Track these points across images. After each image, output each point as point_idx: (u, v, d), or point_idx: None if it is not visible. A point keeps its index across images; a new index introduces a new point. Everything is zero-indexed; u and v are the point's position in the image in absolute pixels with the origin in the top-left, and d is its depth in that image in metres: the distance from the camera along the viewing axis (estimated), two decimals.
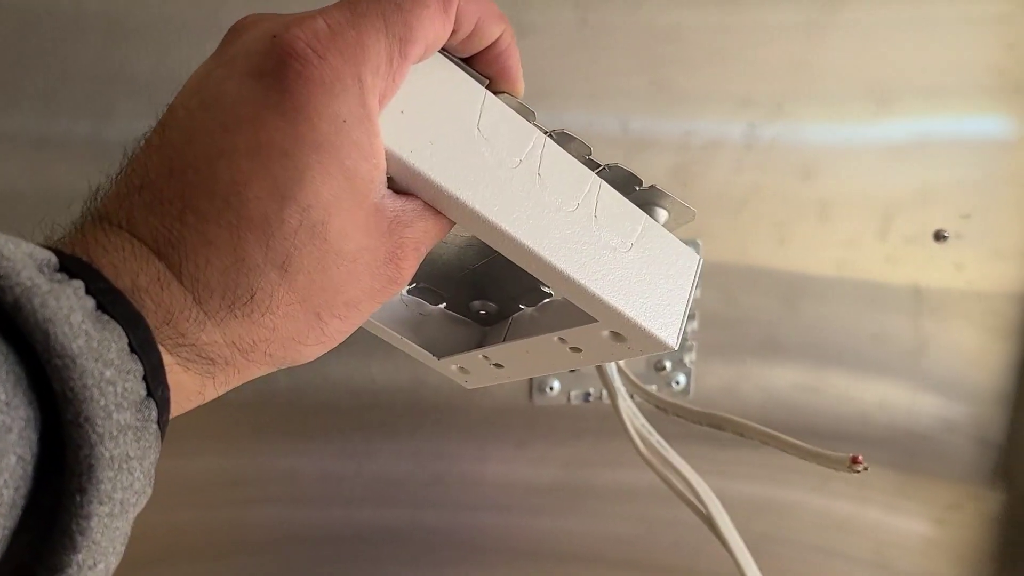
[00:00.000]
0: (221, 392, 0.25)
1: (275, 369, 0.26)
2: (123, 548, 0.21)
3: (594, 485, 0.63)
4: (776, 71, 0.56)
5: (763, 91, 0.56)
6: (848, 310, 0.61)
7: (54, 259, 0.20)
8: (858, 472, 0.38)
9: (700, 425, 0.46)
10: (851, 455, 0.38)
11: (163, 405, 0.22)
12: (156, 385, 0.21)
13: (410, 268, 0.26)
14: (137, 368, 0.21)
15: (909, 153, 0.58)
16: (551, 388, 0.60)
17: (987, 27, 0.57)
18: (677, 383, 0.61)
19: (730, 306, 0.60)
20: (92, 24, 0.50)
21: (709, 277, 0.59)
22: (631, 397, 0.56)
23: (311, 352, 0.26)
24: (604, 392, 0.60)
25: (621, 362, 0.56)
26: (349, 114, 0.23)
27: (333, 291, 0.24)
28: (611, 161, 0.31)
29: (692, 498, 0.46)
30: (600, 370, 0.56)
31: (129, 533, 0.21)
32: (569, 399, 0.60)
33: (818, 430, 0.62)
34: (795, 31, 0.55)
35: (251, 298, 0.23)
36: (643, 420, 0.53)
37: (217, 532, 0.60)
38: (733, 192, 0.58)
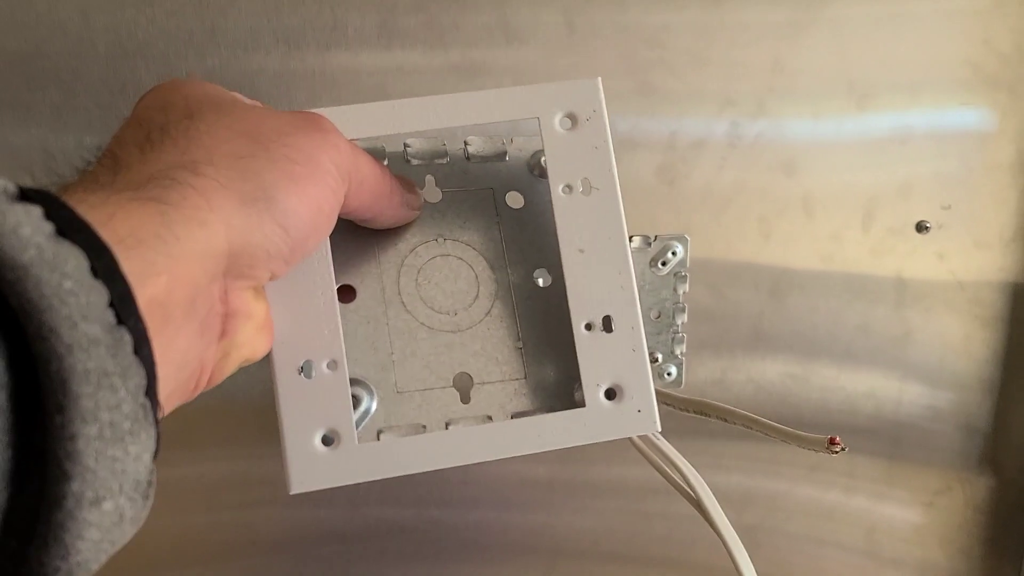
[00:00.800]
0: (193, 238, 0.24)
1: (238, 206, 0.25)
2: (140, 495, 0.20)
3: (588, 479, 0.65)
4: (758, 70, 0.58)
5: (745, 90, 0.58)
6: (834, 302, 0.62)
7: (12, 187, 0.20)
8: (835, 453, 0.40)
9: (686, 412, 0.48)
10: (829, 436, 0.40)
11: (139, 336, 0.20)
12: (127, 315, 0.20)
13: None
14: (102, 291, 0.20)
15: (889, 147, 0.60)
16: None
17: (963, 22, 0.59)
18: (669, 374, 0.62)
19: (718, 300, 0.62)
20: (100, 39, 0.52)
21: (697, 272, 0.61)
22: None
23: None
24: None
25: None
26: (336, 191, 0.28)
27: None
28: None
29: (681, 482, 0.47)
30: None
31: (146, 478, 0.20)
32: None
33: (805, 419, 0.64)
34: (776, 31, 0.57)
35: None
36: None
37: (226, 534, 0.62)
38: (718, 189, 0.60)
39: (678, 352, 0.63)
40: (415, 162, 0.38)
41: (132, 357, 0.20)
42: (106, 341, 0.19)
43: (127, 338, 0.20)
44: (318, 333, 0.30)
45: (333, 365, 0.30)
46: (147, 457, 0.20)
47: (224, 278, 0.25)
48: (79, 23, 0.52)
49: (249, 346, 0.29)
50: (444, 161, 0.38)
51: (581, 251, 0.34)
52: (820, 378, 0.64)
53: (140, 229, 0.22)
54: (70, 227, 0.20)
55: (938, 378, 0.64)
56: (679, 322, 0.62)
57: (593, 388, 0.33)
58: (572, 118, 0.34)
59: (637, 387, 0.33)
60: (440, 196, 0.38)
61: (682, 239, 0.61)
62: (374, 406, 0.34)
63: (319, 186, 0.27)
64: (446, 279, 0.37)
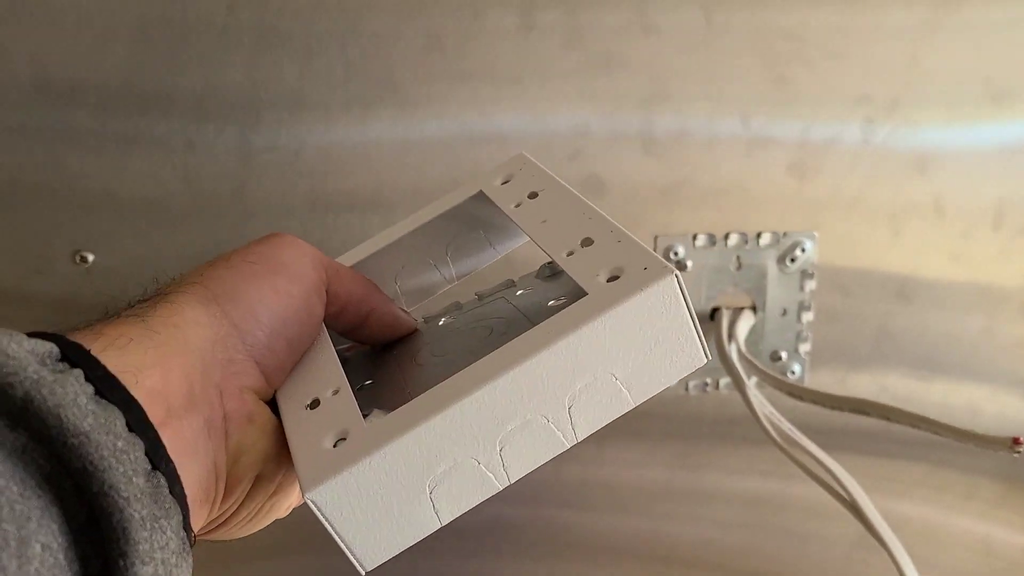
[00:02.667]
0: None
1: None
2: None
3: (703, 487, 0.64)
4: (892, 69, 0.57)
5: (880, 87, 0.57)
6: (960, 303, 0.61)
7: (55, 350, 0.23)
8: (1019, 453, 0.39)
9: (841, 411, 0.47)
10: (1013, 436, 0.39)
11: (171, 476, 0.23)
12: (159, 459, 0.23)
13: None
14: (138, 443, 0.22)
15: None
16: None
17: None
18: (792, 372, 0.62)
19: (844, 300, 0.61)
20: (244, 31, 0.52)
21: (824, 272, 0.60)
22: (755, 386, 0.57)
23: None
24: (722, 382, 0.62)
25: (744, 349, 0.58)
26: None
27: None
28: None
29: (835, 484, 0.47)
30: (724, 358, 0.58)
31: None
32: (688, 389, 0.61)
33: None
34: (912, 30, 0.56)
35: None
36: (771, 408, 0.54)
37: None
38: (848, 187, 0.59)
39: (802, 351, 0.62)
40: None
41: (170, 498, 0.23)
42: (149, 489, 0.22)
43: (163, 481, 0.23)
44: (320, 374, 0.30)
45: (337, 391, 0.29)
46: None
47: (217, 375, 0.27)
48: (224, 14, 0.52)
49: (256, 451, 0.28)
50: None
51: (544, 222, 0.32)
52: (942, 383, 0.63)
53: (127, 333, 0.25)
54: (106, 386, 0.23)
55: None
56: (804, 321, 0.62)
57: (591, 279, 0.28)
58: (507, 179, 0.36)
59: (637, 256, 0.28)
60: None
61: (810, 236, 0.60)
62: None
63: (281, 277, 0.29)
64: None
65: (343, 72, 0.54)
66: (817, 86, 0.57)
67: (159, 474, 0.23)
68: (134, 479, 0.22)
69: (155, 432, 0.23)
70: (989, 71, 0.58)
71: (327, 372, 0.30)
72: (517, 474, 0.27)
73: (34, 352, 0.22)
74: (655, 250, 0.59)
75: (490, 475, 0.27)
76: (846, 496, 0.47)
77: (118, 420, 0.22)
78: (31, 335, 0.23)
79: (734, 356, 0.57)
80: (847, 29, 0.56)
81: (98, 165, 0.54)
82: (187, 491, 0.24)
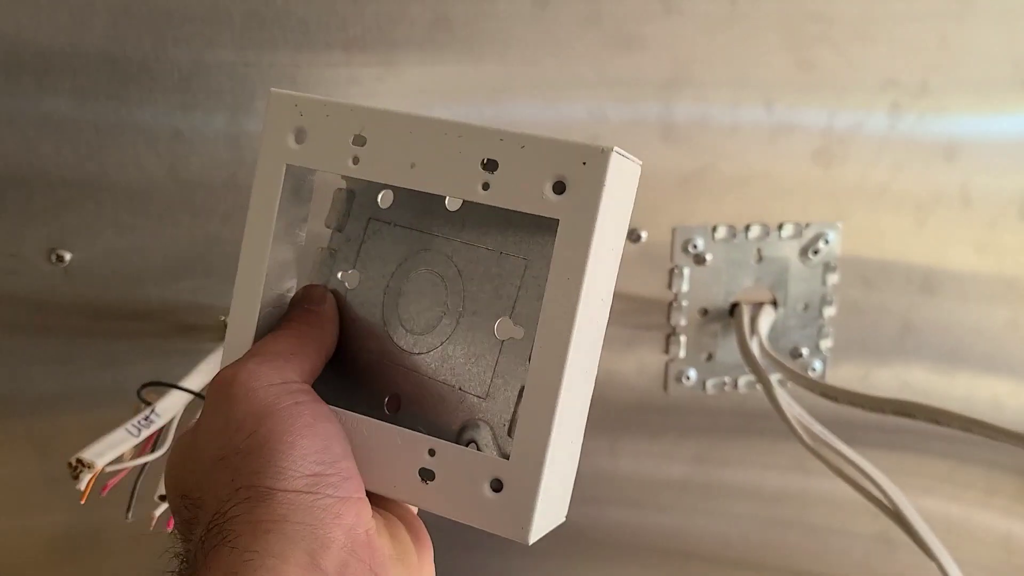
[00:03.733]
0: None
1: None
2: None
3: (723, 482, 0.62)
4: (921, 52, 0.55)
5: (908, 69, 0.55)
6: (985, 295, 0.59)
7: None
8: None
9: (882, 413, 0.45)
10: None
11: None
12: None
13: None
14: None
15: None
16: (687, 378, 0.58)
17: None
18: (813, 370, 0.59)
19: (867, 293, 0.58)
20: (230, 14, 0.48)
21: (847, 263, 0.57)
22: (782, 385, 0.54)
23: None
24: (740, 381, 0.59)
25: (767, 346, 0.55)
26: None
27: None
28: None
29: (876, 492, 0.44)
30: (746, 355, 0.55)
31: None
32: (705, 388, 0.59)
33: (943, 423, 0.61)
34: (941, 12, 0.54)
35: None
36: (800, 409, 0.51)
37: None
38: (874, 175, 0.56)
39: (823, 347, 0.60)
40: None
41: None
42: None
43: None
44: (399, 451, 0.29)
45: (433, 452, 0.29)
46: None
47: (343, 556, 0.27)
48: None
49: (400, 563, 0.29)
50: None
51: (412, 165, 0.28)
52: (965, 378, 0.61)
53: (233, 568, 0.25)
54: None
55: None
56: (826, 315, 0.59)
57: (537, 201, 0.26)
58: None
59: (562, 154, 0.26)
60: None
61: (834, 227, 0.58)
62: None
63: (274, 418, 0.28)
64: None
65: (343, 54, 0.50)
66: (844, 70, 0.54)
67: None
68: None
69: None
70: (1019, 55, 0.56)
71: (403, 443, 0.29)
72: (596, 365, 0.29)
73: None
74: (673, 244, 0.56)
75: (588, 389, 0.29)
76: (885, 500, 0.45)
77: None
78: None
79: (757, 353, 0.54)
80: (875, 10, 0.53)
81: (75, 154, 0.49)
82: None
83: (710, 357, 0.58)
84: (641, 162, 0.28)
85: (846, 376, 0.60)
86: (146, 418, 0.42)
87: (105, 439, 0.40)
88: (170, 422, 0.44)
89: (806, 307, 0.58)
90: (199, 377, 0.47)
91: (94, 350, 0.52)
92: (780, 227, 0.57)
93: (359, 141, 0.29)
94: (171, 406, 0.44)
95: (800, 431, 0.49)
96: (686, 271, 0.56)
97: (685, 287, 0.56)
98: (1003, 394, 0.61)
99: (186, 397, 0.45)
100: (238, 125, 0.50)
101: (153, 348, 0.53)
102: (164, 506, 0.42)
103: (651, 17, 0.51)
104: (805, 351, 0.59)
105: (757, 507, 0.62)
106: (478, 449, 0.29)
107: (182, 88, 0.49)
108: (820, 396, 0.49)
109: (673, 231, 0.56)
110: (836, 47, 0.54)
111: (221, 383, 0.29)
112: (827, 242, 0.57)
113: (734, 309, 0.57)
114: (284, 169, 0.30)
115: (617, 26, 0.51)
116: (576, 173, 0.26)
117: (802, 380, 0.50)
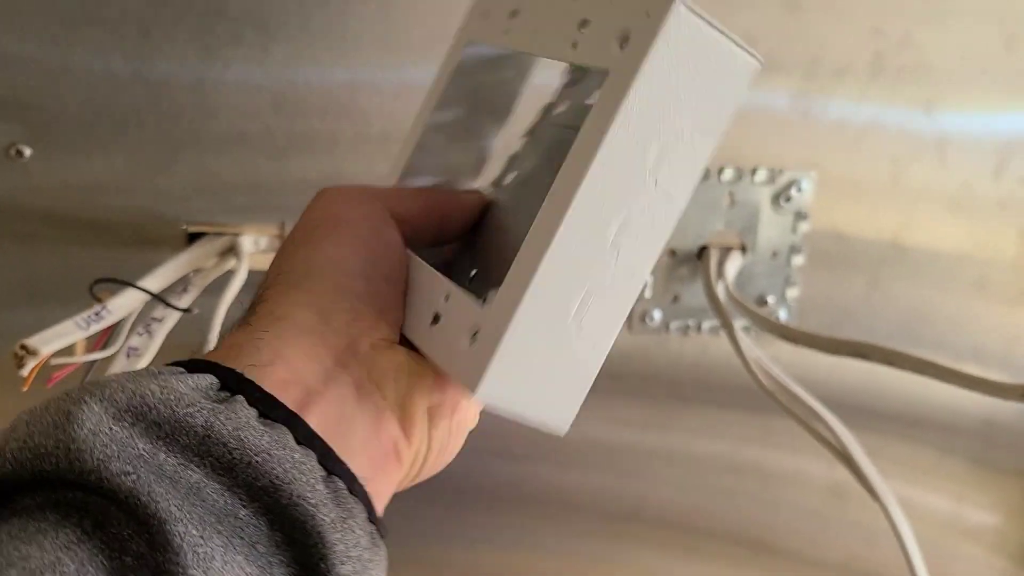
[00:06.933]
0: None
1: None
2: None
3: (671, 447, 0.62)
4: (908, 2, 0.54)
5: (894, 17, 0.54)
6: (954, 252, 0.59)
7: (215, 381, 0.24)
8: None
9: (837, 355, 0.45)
10: None
11: (347, 477, 0.24)
12: (333, 464, 0.24)
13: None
14: (311, 453, 0.24)
15: None
16: (651, 318, 0.58)
17: None
18: (778, 318, 0.59)
19: (838, 245, 0.58)
20: None
21: (821, 212, 0.57)
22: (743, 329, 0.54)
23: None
24: (704, 324, 0.59)
25: (733, 290, 0.55)
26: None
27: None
28: None
29: (828, 435, 0.44)
30: (711, 298, 0.55)
31: None
32: (668, 330, 0.59)
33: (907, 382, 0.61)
34: None
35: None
36: (759, 352, 0.51)
37: None
38: (853, 124, 0.56)
39: (790, 296, 0.60)
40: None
41: (351, 498, 0.24)
42: (330, 494, 0.23)
43: (340, 484, 0.24)
44: (426, 292, 0.29)
45: (448, 296, 0.28)
46: (383, 572, 0.25)
47: (342, 342, 0.27)
48: None
49: (414, 386, 0.28)
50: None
51: (535, 31, 0.30)
52: (931, 338, 0.61)
53: (237, 342, 0.26)
54: (268, 407, 0.24)
55: None
56: (794, 264, 0.59)
57: (606, 56, 0.26)
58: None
59: (635, 6, 0.25)
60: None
61: (808, 175, 0.57)
62: None
63: (344, 229, 0.29)
64: None
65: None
66: (830, 15, 0.53)
67: (335, 478, 0.24)
68: (316, 486, 0.23)
69: (321, 441, 0.24)
70: (1004, 11, 0.55)
71: (431, 286, 0.29)
72: (647, 267, 0.27)
73: (198, 387, 0.23)
74: None
75: (621, 285, 0.27)
76: (836, 444, 0.45)
77: (287, 436, 0.23)
78: (189, 369, 0.24)
79: (722, 297, 0.54)
80: None
81: (39, 48, 0.48)
82: (364, 453, 0.25)
83: (676, 299, 0.58)
84: (757, 55, 0.26)
85: (813, 326, 0.59)
86: (96, 314, 0.42)
87: (52, 329, 0.39)
88: (122, 321, 0.44)
89: (774, 255, 0.58)
90: (155, 280, 0.46)
91: (50, 252, 0.51)
92: (754, 171, 0.56)
93: (513, 15, 0.31)
94: (124, 304, 0.44)
95: (758, 373, 0.49)
96: None
97: None
98: (967, 356, 0.62)
99: (142, 297, 0.45)
100: (210, 31, 0.49)
101: (112, 256, 0.52)
102: None
103: None
104: (771, 299, 0.59)
105: (709, 472, 0.63)
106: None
107: None
108: (779, 338, 0.49)
109: None
110: None
111: (332, 188, 0.31)
112: (800, 190, 0.57)
113: (702, 252, 0.57)
114: (466, 42, 0.33)
115: None
116: (639, 24, 0.25)
117: (761, 321, 0.50)
